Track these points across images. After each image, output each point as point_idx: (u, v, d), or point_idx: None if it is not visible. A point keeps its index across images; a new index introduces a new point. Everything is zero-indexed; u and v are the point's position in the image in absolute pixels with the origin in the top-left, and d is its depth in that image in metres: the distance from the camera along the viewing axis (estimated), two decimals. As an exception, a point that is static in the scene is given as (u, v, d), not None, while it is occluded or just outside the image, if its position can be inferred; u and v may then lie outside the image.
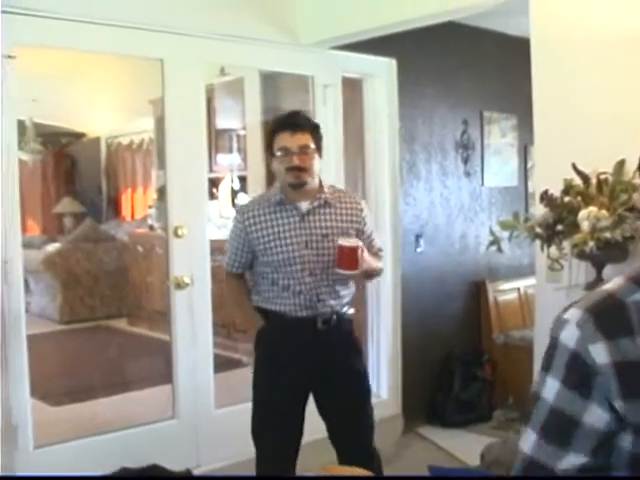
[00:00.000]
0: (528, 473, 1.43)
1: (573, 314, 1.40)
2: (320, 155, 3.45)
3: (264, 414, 3.54)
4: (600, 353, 1.34)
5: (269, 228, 3.42)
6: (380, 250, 3.66)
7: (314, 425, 3.59)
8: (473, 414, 5.71)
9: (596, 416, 1.36)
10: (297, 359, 3.45)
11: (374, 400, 5.32)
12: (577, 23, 3.57)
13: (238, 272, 3.63)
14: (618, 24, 3.42)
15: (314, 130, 3.44)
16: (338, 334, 3.49)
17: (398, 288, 5.40)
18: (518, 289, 6.27)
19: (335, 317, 3.46)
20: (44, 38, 3.88)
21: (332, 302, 3.42)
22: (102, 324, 8.54)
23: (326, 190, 3.47)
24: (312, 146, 3.39)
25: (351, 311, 3.60)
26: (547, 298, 3.56)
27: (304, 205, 3.42)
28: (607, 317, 1.37)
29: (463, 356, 5.80)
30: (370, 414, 3.63)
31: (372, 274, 3.66)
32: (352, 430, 3.58)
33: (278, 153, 3.38)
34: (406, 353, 5.44)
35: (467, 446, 5.00)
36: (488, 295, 6.05)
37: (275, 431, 3.51)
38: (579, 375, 1.37)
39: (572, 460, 1.38)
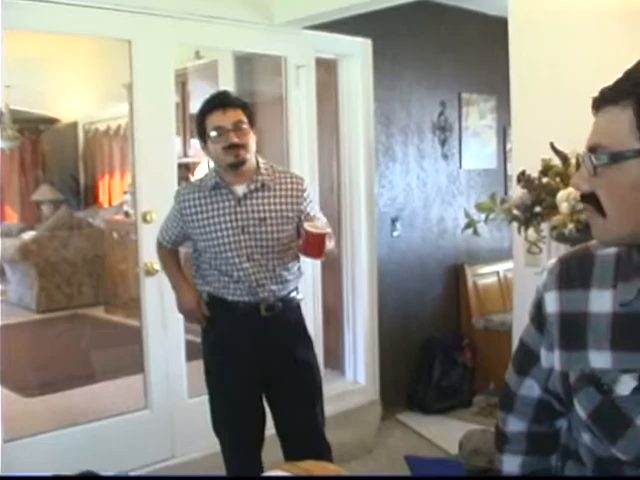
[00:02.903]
0: (502, 396, 1.68)
1: (551, 261, 1.56)
2: (254, 133, 3.37)
3: (220, 405, 3.50)
4: (551, 302, 1.50)
5: (204, 213, 3.35)
6: (328, 226, 3.46)
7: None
8: (453, 400, 5.66)
9: (545, 357, 1.53)
10: (244, 346, 3.37)
11: (351, 387, 5.33)
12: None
13: (168, 247, 3.61)
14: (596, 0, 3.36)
15: (244, 107, 3.36)
16: (284, 322, 3.41)
17: (374, 272, 5.34)
18: (498, 273, 6.23)
19: (280, 303, 3.37)
20: (6, 20, 3.75)
21: (274, 287, 3.33)
22: (79, 312, 8.45)
23: (263, 171, 3.37)
24: (246, 122, 3.31)
25: (299, 297, 3.51)
26: (526, 282, 3.49)
27: (240, 189, 3.33)
28: (571, 268, 1.50)
29: (442, 341, 5.74)
30: (319, 406, 3.54)
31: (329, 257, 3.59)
32: (300, 422, 3.49)
33: (212, 133, 3.29)
34: (384, 338, 5.39)
35: (448, 433, 4.94)
36: (467, 279, 6.00)
37: (233, 421, 3.46)
38: (539, 317, 1.54)
39: (527, 389, 1.60)
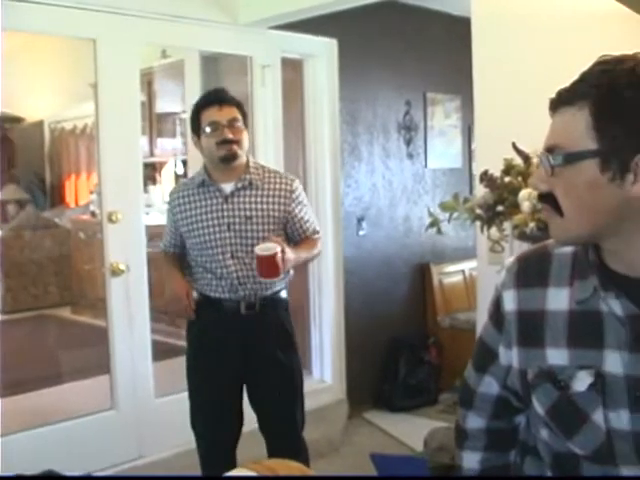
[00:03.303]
0: (462, 394, 1.70)
1: (509, 260, 1.57)
2: (247, 132, 3.41)
3: (196, 401, 3.51)
4: (510, 300, 1.51)
5: (192, 210, 3.38)
6: (316, 232, 3.54)
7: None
8: (420, 398, 5.69)
9: (504, 355, 1.55)
10: (225, 345, 3.39)
11: (318, 385, 5.34)
12: (518, 1, 3.55)
13: (170, 252, 3.63)
14: (559, 0, 3.39)
15: (239, 106, 3.40)
16: (265, 321, 3.41)
17: (340, 271, 5.36)
18: (463, 271, 6.27)
19: (262, 303, 3.38)
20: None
21: (255, 286, 3.34)
22: (46, 313, 8.36)
23: (252, 170, 3.39)
24: (241, 120, 3.35)
25: (285, 297, 3.51)
26: (489, 280, 3.50)
27: (228, 187, 3.35)
28: (528, 266, 1.52)
29: (409, 339, 5.78)
30: (297, 407, 3.54)
31: (306, 263, 3.64)
32: (276, 422, 3.51)
33: (207, 129, 3.31)
34: (350, 337, 5.41)
35: (414, 431, 4.96)
36: (433, 278, 6.04)
37: (209, 420, 3.46)
38: (497, 315, 1.55)
39: (486, 386, 1.62)
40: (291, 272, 3.50)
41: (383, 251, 5.70)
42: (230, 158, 3.31)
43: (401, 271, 5.90)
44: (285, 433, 3.50)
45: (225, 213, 3.32)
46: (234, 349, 3.38)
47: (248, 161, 3.41)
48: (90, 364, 5.78)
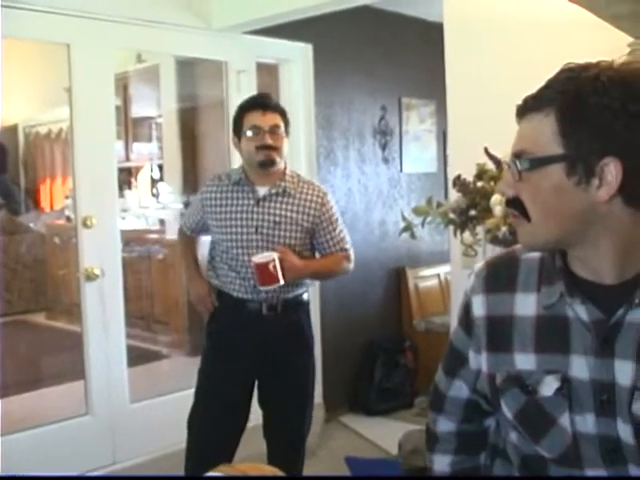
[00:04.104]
0: (432, 397, 1.71)
1: (478, 265, 1.58)
2: (288, 140, 3.45)
3: (201, 396, 3.51)
4: (479, 306, 1.52)
5: (222, 207, 3.42)
6: (344, 250, 3.53)
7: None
8: (396, 401, 5.71)
9: (474, 359, 1.56)
10: (243, 345, 3.40)
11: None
12: (490, 6, 3.58)
13: (188, 234, 3.71)
14: (529, 8, 3.42)
15: (283, 113, 3.44)
16: (285, 324, 3.43)
17: (315, 275, 5.35)
18: (438, 275, 6.30)
19: (283, 305, 3.40)
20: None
21: (278, 288, 3.34)
22: (19, 319, 8.29)
23: (288, 178, 3.42)
24: (282, 127, 3.38)
25: (306, 299, 3.54)
26: (463, 284, 3.51)
27: (262, 190, 3.39)
28: (497, 271, 1.53)
29: (384, 343, 5.79)
30: (306, 415, 3.55)
31: (322, 275, 3.63)
32: (282, 426, 3.52)
33: (248, 132, 3.35)
34: (326, 341, 5.40)
35: (390, 434, 4.96)
36: (408, 281, 6.06)
37: (207, 416, 3.45)
38: (467, 320, 1.57)
39: (457, 390, 1.63)
40: (308, 281, 3.51)
41: (359, 255, 5.60)
42: (268, 164, 3.34)
43: (377, 275, 5.92)
44: (289, 439, 3.52)
45: (255, 216, 3.36)
46: (251, 350, 3.40)
47: (285, 168, 3.44)
48: (65, 369, 5.75)
